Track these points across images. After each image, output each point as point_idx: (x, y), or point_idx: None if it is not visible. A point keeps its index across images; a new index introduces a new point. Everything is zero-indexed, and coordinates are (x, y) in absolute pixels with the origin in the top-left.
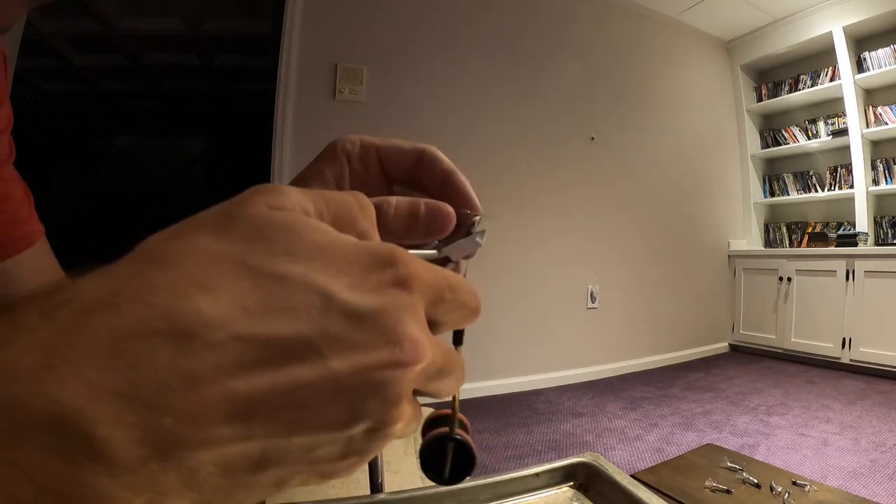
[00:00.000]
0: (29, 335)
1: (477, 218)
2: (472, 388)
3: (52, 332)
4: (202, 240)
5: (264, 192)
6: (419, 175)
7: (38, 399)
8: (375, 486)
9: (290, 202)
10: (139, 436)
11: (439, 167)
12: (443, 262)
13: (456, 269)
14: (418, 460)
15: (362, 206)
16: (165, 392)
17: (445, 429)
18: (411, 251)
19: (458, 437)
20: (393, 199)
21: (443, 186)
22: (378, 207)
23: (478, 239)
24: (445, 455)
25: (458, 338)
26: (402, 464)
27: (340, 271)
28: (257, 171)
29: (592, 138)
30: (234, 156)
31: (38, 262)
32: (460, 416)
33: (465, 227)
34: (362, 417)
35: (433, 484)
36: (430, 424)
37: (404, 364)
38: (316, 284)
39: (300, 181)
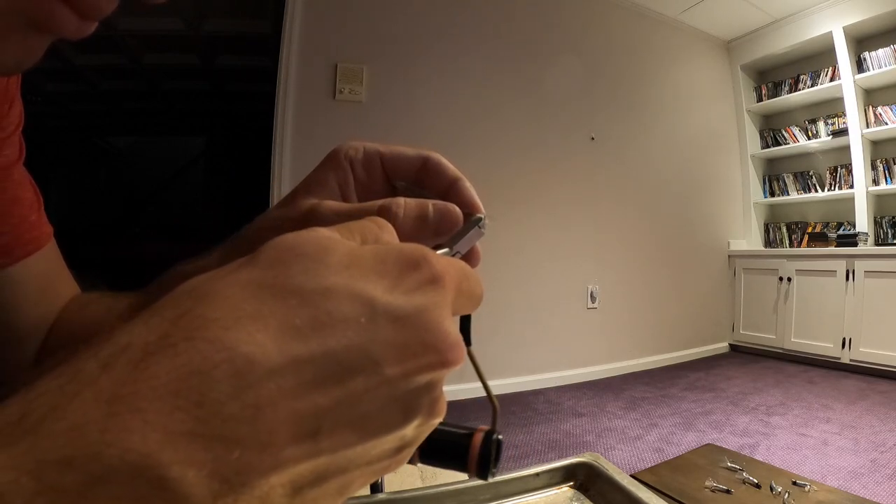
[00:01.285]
0: (92, 387)
1: (482, 216)
2: (472, 388)
3: (113, 381)
4: (241, 273)
5: (294, 230)
6: (423, 181)
7: (110, 449)
8: (375, 486)
9: (317, 231)
10: (211, 471)
11: (445, 174)
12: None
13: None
14: (473, 462)
15: (381, 227)
16: (231, 424)
17: (486, 428)
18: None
19: (500, 434)
20: (401, 201)
21: (449, 192)
22: (387, 209)
23: (482, 229)
24: (491, 453)
25: (465, 338)
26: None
27: (377, 275)
28: (257, 171)
29: (592, 138)
30: (234, 156)
31: (46, 266)
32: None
33: (472, 220)
34: (416, 416)
35: (433, 484)
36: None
37: (450, 364)
38: (358, 292)
39: (303, 189)
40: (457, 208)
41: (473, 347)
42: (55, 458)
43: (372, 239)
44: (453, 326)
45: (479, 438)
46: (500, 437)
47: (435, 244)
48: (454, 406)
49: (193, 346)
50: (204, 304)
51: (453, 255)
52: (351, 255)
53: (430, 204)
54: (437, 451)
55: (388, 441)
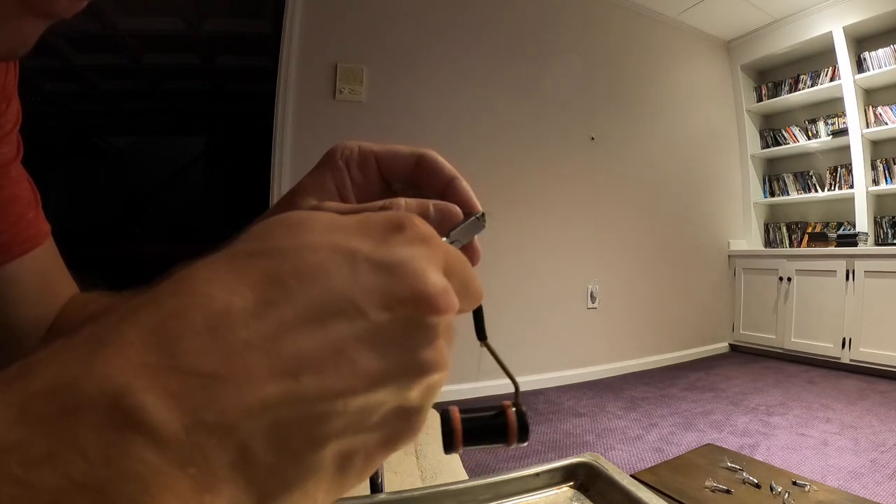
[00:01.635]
0: (81, 336)
1: (482, 212)
2: (472, 388)
3: (100, 329)
4: (231, 247)
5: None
6: (419, 180)
7: (89, 378)
8: (375, 486)
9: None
10: (184, 405)
11: (441, 172)
12: None
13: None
14: (513, 434)
15: (398, 223)
16: (206, 359)
17: (509, 403)
18: None
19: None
20: (402, 201)
21: (445, 190)
22: (388, 209)
23: (481, 222)
24: (525, 421)
25: (480, 333)
26: (402, 464)
27: (361, 235)
28: (257, 171)
29: (592, 138)
30: (233, 156)
31: (44, 264)
32: (509, 408)
33: (475, 217)
34: (414, 370)
35: (433, 484)
36: (466, 423)
37: (439, 310)
38: (341, 247)
39: (301, 190)
40: (457, 207)
41: (473, 347)
42: (39, 390)
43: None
44: (441, 278)
45: (512, 414)
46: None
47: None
48: (467, 404)
49: (176, 298)
50: (191, 272)
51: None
52: (334, 220)
53: (431, 203)
54: (478, 434)
55: (387, 398)
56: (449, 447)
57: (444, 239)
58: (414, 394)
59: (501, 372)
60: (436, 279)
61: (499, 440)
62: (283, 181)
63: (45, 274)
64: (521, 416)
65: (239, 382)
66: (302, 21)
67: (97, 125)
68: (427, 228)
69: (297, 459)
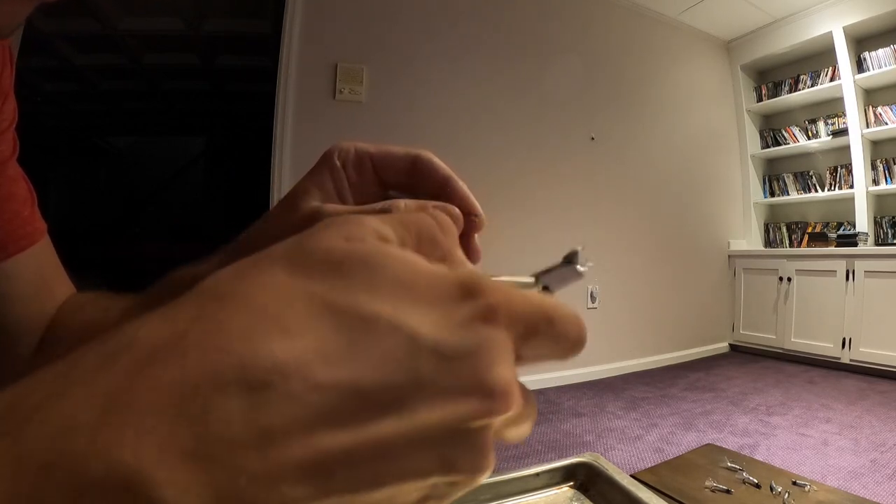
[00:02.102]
0: (86, 386)
1: (580, 248)
2: None
3: (110, 383)
4: (277, 274)
5: (340, 223)
6: (415, 181)
7: (97, 459)
8: None
9: (369, 232)
10: (209, 499)
11: (437, 173)
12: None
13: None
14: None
15: (443, 226)
16: (238, 450)
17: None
18: (504, 278)
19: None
20: (401, 203)
21: (441, 192)
22: (387, 212)
23: (580, 267)
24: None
25: None
26: None
27: (426, 307)
28: (257, 171)
29: (592, 138)
30: (233, 156)
31: (39, 262)
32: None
33: (565, 257)
34: (450, 469)
35: None
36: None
37: (496, 413)
38: (401, 325)
39: (301, 191)
40: (456, 209)
41: None
42: (37, 461)
43: (428, 241)
44: (508, 370)
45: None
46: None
47: (519, 278)
48: None
49: (205, 356)
50: (225, 306)
51: (541, 290)
52: (401, 281)
53: (430, 205)
54: None
55: (413, 489)
56: None
57: (530, 279)
58: (442, 488)
59: None
60: (501, 375)
61: None
62: (283, 181)
63: (41, 272)
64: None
65: (271, 481)
66: (302, 21)
67: (97, 125)
68: (502, 297)
69: None
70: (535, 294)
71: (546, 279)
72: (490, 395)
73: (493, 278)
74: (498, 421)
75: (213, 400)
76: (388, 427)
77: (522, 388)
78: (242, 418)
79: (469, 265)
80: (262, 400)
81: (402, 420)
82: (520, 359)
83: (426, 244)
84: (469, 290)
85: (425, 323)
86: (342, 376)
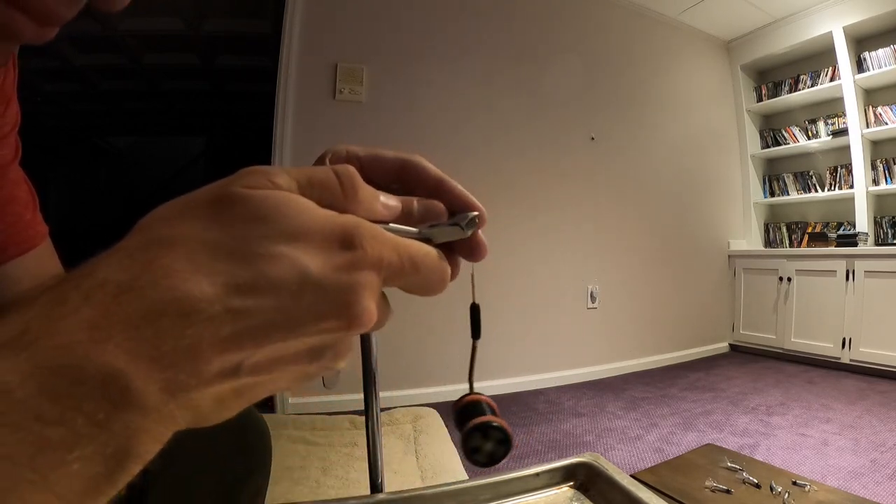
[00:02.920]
0: (76, 313)
1: (474, 214)
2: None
3: (93, 311)
4: (198, 226)
5: (252, 172)
6: (405, 184)
7: (91, 363)
8: (375, 486)
9: (276, 181)
10: (162, 387)
11: (427, 176)
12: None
13: (456, 266)
14: (462, 446)
15: (344, 181)
16: (179, 354)
17: (487, 417)
18: (392, 225)
19: (498, 424)
20: (339, 167)
21: (436, 193)
22: None
23: (462, 226)
24: (487, 439)
25: (476, 332)
26: (402, 464)
27: (314, 249)
28: None
29: (592, 138)
30: (233, 156)
31: (40, 265)
32: (488, 399)
33: (454, 218)
34: (319, 360)
35: (433, 484)
36: (462, 411)
37: (353, 330)
38: (295, 263)
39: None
40: (441, 205)
41: (463, 345)
42: (50, 366)
43: (329, 190)
44: (366, 303)
45: (475, 421)
46: (498, 426)
47: (405, 227)
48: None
49: (157, 291)
50: (164, 252)
51: (424, 240)
52: (301, 225)
53: (415, 200)
54: (459, 418)
55: (295, 371)
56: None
57: (414, 230)
58: (314, 368)
59: (503, 372)
60: (363, 308)
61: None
62: None
63: (42, 275)
64: (497, 432)
65: (199, 374)
66: (302, 21)
67: (97, 125)
68: (376, 248)
69: (229, 404)
70: (409, 243)
71: (429, 232)
72: (354, 320)
73: (382, 227)
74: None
75: (161, 322)
76: (279, 337)
77: (382, 303)
78: (180, 334)
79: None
80: (192, 321)
81: (289, 334)
82: (398, 286)
83: (326, 194)
84: (349, 237)
85: (313, 262)
86: (249, 302)
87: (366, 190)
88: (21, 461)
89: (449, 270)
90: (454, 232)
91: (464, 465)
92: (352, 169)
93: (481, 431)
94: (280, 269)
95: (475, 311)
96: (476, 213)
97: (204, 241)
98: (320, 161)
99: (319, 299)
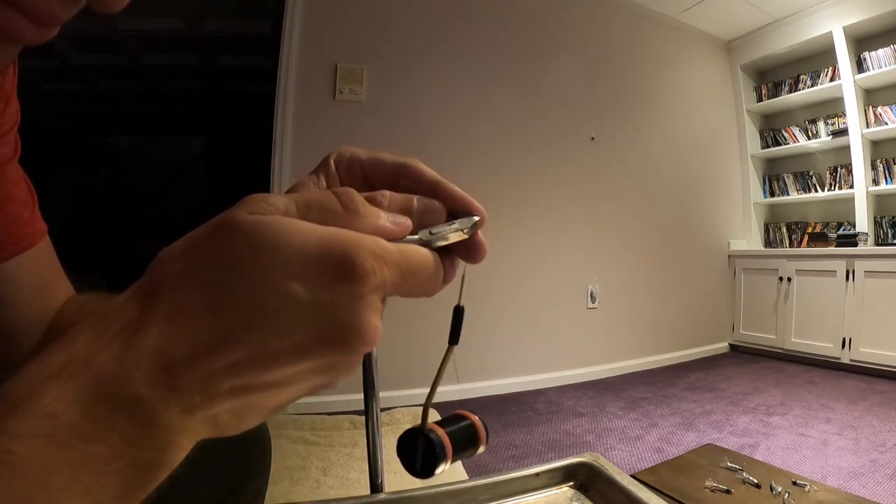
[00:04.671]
0: (108, 348)
1: (476, 219)
2: (472, 388)
3: (120, 347)
4: (196, 261)
5: (250, 200)
6: (403, 187)
7: (123, 391)
8: (375, 486)
9: (274, 205)
10: (181, 408)
11: (423, 178)
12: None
13: (452, 266)
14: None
15: (343, 199)
16: (192, 382)
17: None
18: None
19: (428, 433)
20: (387, 193)
21: (433, 195)
22: (373, 199)
23: (465, 230)
24: (416, 448)
25: (454, 337)
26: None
27: (310, 273)
28: (257, 171)
29: (592, 138)
30: (233, 156)
31: (40, 264)
32: (471, 416)
33: (454, 222)
34: (327, 376)
35: (433, 484)
36: (443, 424)
37: (362, 352)
38: (290, 290)
39: (297, 185)
40: (440, 204)
41: (474, 347)
42: (91, 394)
43: (330, 213)
44: (370, 321)
45: (478, 422)
46: (431, 436)
47: (414, 231)
48: (457, 406)
49: (168, 327)
50: (170, 294)
51: (425, 244)
52: (294, 248)
53: (415, 199)
54: (462, 445)
55: (308, 386)
56: (439, 463)
57: (416, 237)
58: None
59: (503, 372)
60: (363, 332)
61: (475, 447)
62: (283, 181)
63: (41, 273)
64: (427, 442)
65: (212, 397)
66: (302, 21)
67: (97, 125)
68: (375, 270)
69: (244, 416)
70: (408, 250)
71: (432, 239)
72: (361, 341)
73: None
74: (362, 355)
75: (175, 359)
76: (286, 362)
77: (403, 264)
78: (189, 366)
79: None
80: (198, 357)
81: (296, 358)
82: (396, 293)
83: (328, 215)
84: (348, 257)
85: (310, 287)
86: (250, 335)
87: (367, 206)
88: (68, 473)
89: (442, 274)
90: (456, 236)
91: (464, 466)
92: (350, 189)
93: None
94: (277, 298)
95: (458, 314)
96: (477, 217)
97: (201, 279)
98: (325, 162)
99: (322, 324)
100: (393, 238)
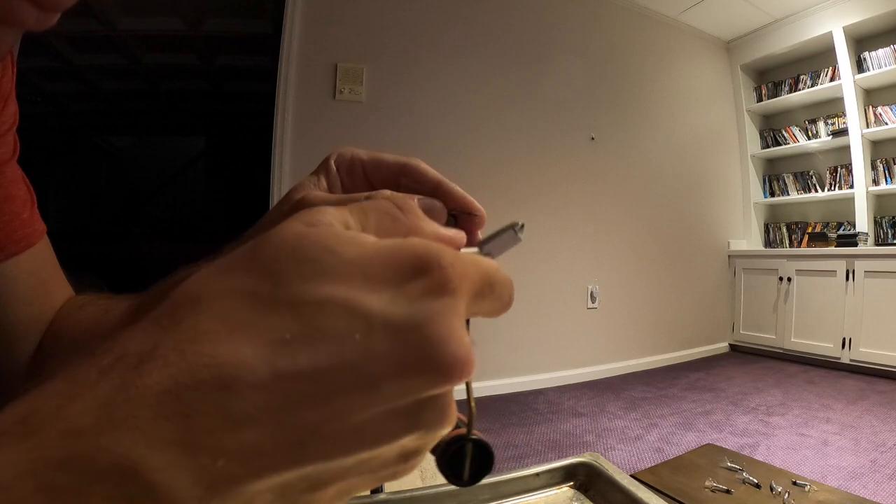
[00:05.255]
0: (90, 392)
1: (522, 222)
2: (472, 388)
3: (109, 388)
4: (234, 278)
5: (304, 213)
6: (404, 186)
7: (102, 453)
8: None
9: (327, 218)
10: (195, 478)
11: (425, 178)
12: None
13: None
14: (440, 463)
15: (402, 207)
16: (215, 435)
17: (462, 430)
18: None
19: (476, 437)
20: (387, 193)
21: (435, 195)
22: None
23: (517, 233)
24: (465, 457)
25: None
26: None
27: (378, 285)
28: (257, 171)
29: (592, 138)
30: (233, 156)
31: (38, 264)
32: (460, 415)
33: (507, 226)
34: (417, 429)
35: (433, 484)
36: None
37: (453, 381)
38: (355, 306)
39: (298, 186)
40: (441, 204)
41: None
42: (53, 459)
43: (389, 221)
44: (462, 337)
45: (446, 438)
46: (479, 440)
47: (466, 245)
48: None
49: (184, 359)
50: (196, 313)
51: (483, 255)
52: (354, 262)
53: (416, 198)
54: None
55: (387, 451)
56: (490, 468)
57: (476, 251)
58: (412, 444)
59: (503, 372)
60: (455, 345)
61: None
62: (283, 181)
63: (39, 273)
64: (456, 446)
65: (246, 457)
66: (302, 21)
67: (97, 125)
68: (454, 270)
69: (296, 501)
70: (482, 260)
71: (488, 247)
72: (446, 367)
73: None
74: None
75: (190, 397)
76: (352, 402)
77: (482, 268)
78: (215, 410)
79: (434, 237)
80: (232, 392)
81: (365, 395)
82: (477, 310)
83: (387, 226)
84: (423, 265)
85: (379, 301)
86: (302, 362)
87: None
88: None
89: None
90: (510, 240)
91: None
92: (404, 195)
93: (456, 451)
94: (336, 316)
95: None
96: (522, 222)
97: (241, 294)
98: (325, 163)
99: (396, 344)
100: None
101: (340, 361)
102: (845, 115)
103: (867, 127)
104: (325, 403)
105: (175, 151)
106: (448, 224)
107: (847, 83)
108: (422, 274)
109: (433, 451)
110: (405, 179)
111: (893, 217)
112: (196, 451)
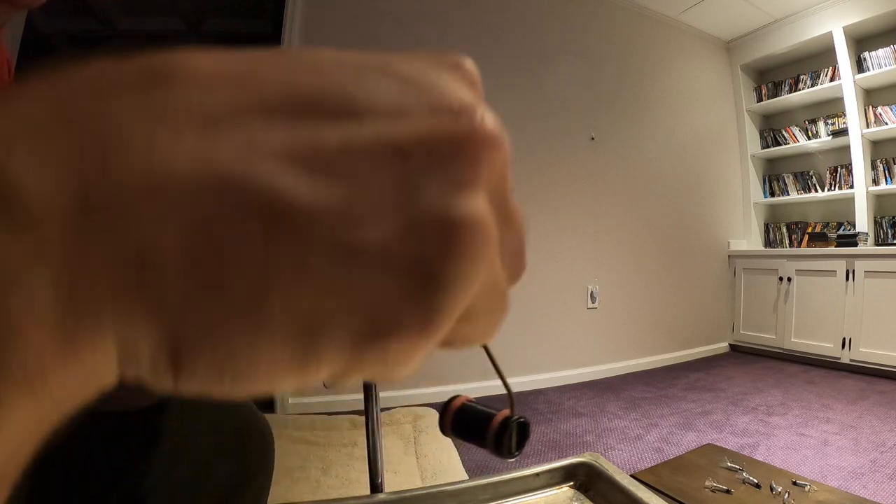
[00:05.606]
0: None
1: None
2: (472, 389)
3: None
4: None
5: None
6: None
7: None
8: (375, 486)
9: None
10: (72, 171)
11: None
12: None
13: None
14: (492, 443)
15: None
16: (131, 123)
17: (506, 412)
18: None
19: (521, 418)
20: None
21: None
22: None
23: None
24: (513, 434)
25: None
26: (401, 464)
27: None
28: None
29: (592, 138)
30: None
31: None
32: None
33: None
34: (421, 189)
35: (433, 484)
36: (459, 412)
37: (481, 140)
38: (372, 58)
39: None
40: None
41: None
42: None
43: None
44: (493, 119)
45: (497, 420)
46: (522, 419)
47: None
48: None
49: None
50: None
51: None
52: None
53: None
54: (463, 426)
55: (397, 246)
56: (441, 428)
57: None
58: (431, 249)
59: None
60: (480, 110)
61: (481, 442)
62: None
63: None
64: (506, 425)
65: (156, 143)
66: (302, 21)
67: None
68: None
69: (236, 300)
70: None
71: None
72: (471, 116)
73: None
74: (495, 179)
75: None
76: (346, 131)
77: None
78: (134, 103)
79: None
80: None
81: (361, 126)
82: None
83: None
84: (458, 64)
85: (400, 63)
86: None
87: None
88: None
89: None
90: None
91: (463, 466)
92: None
93: (517, 428)
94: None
95: None
96: None
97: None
98: None
99: (413, 91)
100: None
101: (335, 87)
102: (845, 115)
103: (867, 127)
104: (299, 120)
105: None
106: None
107: (847, 83)
108: (457, 68)
109: (485, 434)
110: None
111: (893, 217)
112: (74, 129)
